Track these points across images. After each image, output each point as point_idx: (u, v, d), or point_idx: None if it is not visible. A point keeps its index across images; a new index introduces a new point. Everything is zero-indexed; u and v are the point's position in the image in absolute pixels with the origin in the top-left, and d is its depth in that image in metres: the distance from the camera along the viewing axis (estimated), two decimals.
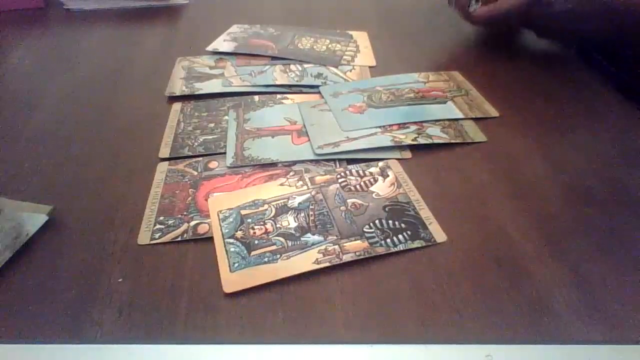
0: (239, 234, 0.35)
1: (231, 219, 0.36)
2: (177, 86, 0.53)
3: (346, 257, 0.33)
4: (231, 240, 0.34)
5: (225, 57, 0.59)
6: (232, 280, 0.31)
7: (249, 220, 0.36)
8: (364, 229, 0.35)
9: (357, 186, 0.39)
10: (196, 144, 0.44)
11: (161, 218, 0.36)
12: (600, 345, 0.28)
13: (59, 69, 0.58)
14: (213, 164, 0.42)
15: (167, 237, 0.35)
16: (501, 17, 0.55)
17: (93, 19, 0.71)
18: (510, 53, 0.59)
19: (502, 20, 0.56)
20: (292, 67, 0.56)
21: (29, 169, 0.42)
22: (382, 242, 0.34)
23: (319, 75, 0.55)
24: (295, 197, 0.38)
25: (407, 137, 0.44)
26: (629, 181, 0.40)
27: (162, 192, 0.39)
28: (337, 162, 0.42)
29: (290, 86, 0.53)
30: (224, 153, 0.43)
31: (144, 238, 0.35)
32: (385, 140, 0.44)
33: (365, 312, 0.30)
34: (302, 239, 0.34)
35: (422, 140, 0.44)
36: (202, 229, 0.36)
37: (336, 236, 0.34)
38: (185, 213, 0.37)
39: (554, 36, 0.59)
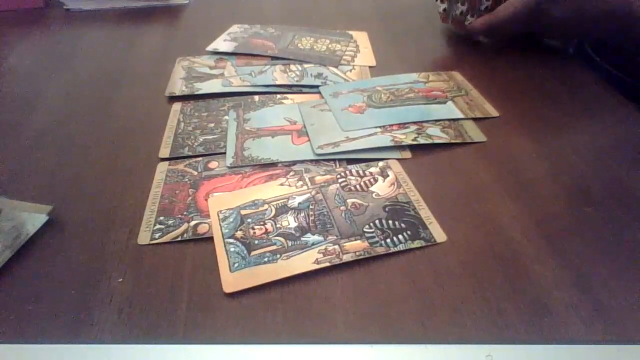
0: (239, 234, 0.35)
1: (231, 219, 0.36)
2: (177, 86, 0.53)
3: (346, 257, 0.33)
4: (231, 240, 0.34)
5: (225, 57, 0.59)
6: (232, 280, 0.31)
7: (249, 220, 0.36)
8: (364, 229, 0.35)
9: (357, 186, 0.39)
10: (196, 144, 0.44)
11: (161, 218, 0.36)
12: (600, 345, 0.28)
13: (59, 69, 0.58)
14: (213, 164, 0.42)
15: (167, 237, 0.35)
16: (500, 26, 0.56)
17: (93, 19, 0.71)
18: (510, 53, 0.59)
19: (501, 29, 0.57)
20: (292, 67, 0.56)
21: (29, 169, 0.42)
22: (382, 242, 0.34)
23: (319, 75, 0.55)
24: (295, 197, 0.38)
25: (407, 137, 0.44)
26: (629, 181, 0.40)
27: (162, 192, 0.39)
28: (337, 162, 0.42)
29: (290, 86, 0.53)
30: (224, 153, 0.43)
31: (144, 238, 0.35)
32: (385, 140, 0.44)
33: (365, 312, 0.30)
34: (302, 239, 0.34)
35: (422, 140, 0.44)
36: (202, 229, 0.36)
37: (336, 236, 0.34)
38: (185, 213, 0.37)
39: (554, 38, 0.60)
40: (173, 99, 0.51)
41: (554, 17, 0.52)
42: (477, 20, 0.58)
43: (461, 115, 0.47)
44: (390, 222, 0.36)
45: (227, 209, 0.37)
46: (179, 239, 0.35)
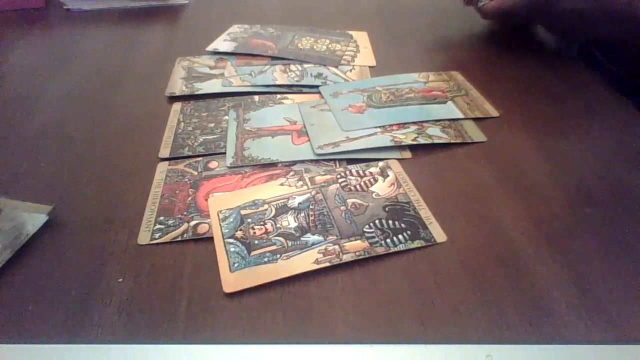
0: (239, 234, 0.35)
1: (231, 219, 0.36)
2: (177, 86, 0.53)
3: (346, 257, 0.33)
4: (231, 240, 0.34)
5: (225, 57, 0.59)
6: (232, 280, 0.31)
7: (249, 220, 0.36)
8: (364, 229, 0.35)
9: (357, 186, 0.39)
10: (196, 144, 0.44)
11: (161, 218, 0.36)
12: (600, 345, 0.28)
13: (59, 69, 0.58)
14: (213, 164, 0.42)
15: (167, 237, 0.35)
16: (511, 11, 0.56)
17: (93, 19, 0.71)
18: (510, 53, 0.59)
19: (511, 14, 0.57)
20: (292, 67, 0.56)
21: (29, 169, 0.42)
22: (382, 242, 0.34)
23: (319, 75, 0.55)
24: (295, 197, 0.38)
25: (407, 137, 0.44)
26: (629, 181, 0.40)
27: (162, 192, 0.39)
28: (337, 162, 0.42)
29: (290, 86, 0.53)
30: (224, 153, 0.43)
31: (144, 238, 0.35)
32: (385, 140, 0.44)
33: (365, 312, 0.30)
34: (302, 239, 0.34)
35: (422, 140, 0.44)
36: (202, 229, 0.36)
37: (336, 236, 0.34)
38: (185, 213, 0.37)
39: (561, 32, 0.60)
40: (173, 99, 0.51)
41: (562, 8, 0.52)
42: (490, 3, 0.58)
43: (461, 115, 0.47)
44: (390, 222, 0.36)
45: (227, 209, 0.37)
46: (179, 239, 0.35)
